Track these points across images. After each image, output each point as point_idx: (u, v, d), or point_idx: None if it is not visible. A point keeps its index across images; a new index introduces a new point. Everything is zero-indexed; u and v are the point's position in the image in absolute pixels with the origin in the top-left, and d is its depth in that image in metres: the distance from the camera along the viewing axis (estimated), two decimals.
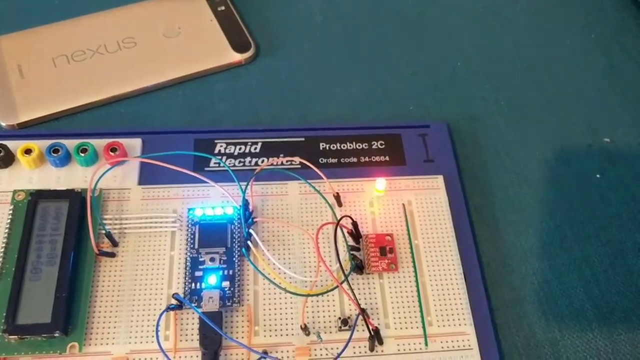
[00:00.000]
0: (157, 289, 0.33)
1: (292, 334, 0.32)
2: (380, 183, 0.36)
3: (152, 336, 0.31)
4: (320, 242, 0.34)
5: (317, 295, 0.32)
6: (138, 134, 0.38)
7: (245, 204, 0.34)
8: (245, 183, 0.34)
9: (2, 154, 0.35)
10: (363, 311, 0.31)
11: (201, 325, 0.31)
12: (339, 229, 0.33)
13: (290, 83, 0.43)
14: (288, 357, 0.31)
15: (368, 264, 0.34)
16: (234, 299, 0.32)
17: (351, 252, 0.33)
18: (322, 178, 0.36)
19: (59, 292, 0.31)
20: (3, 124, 0.39)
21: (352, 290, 0.31)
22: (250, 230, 0.33)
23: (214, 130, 0.39)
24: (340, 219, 0.33)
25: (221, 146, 0.38)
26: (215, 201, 0.36)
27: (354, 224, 0.34)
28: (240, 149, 0.38)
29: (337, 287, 0.31)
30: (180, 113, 0.41)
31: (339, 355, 0.29)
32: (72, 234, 0.33)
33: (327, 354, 0.31)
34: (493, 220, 0.37)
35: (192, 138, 0.38)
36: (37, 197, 0.34)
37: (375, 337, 0.31)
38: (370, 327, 0.31)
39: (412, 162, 0.38)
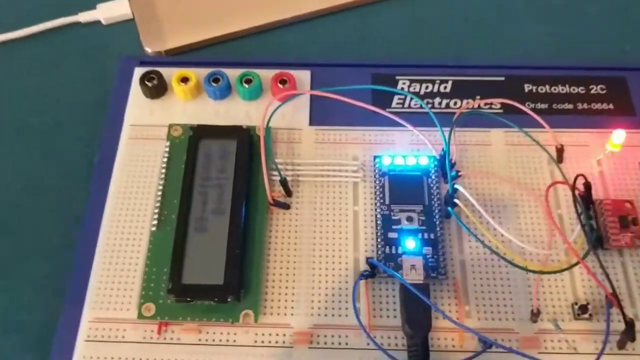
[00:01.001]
0: (341, 250, 0.27)
1: (513, 319, 0.25)
2: (618, 135, 0.28)
3: (340, 308, 0.25)
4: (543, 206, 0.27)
5: (555, 272, 0.25)
6: (306, 65, 0.32)
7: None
8: (449, 129, 0.27)
9: (155, 82, 0.30)
10: (615, 297, 0.24)
11: (404, 300, 0.24)
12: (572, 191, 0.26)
13: (475, 14, 0.36)
14: (511, 347, 0.24)
15: (606, 236, 0.26)
16: (439, 269, 0.26)
17: (589, 221, 0.26)
18: (536, 126, 0.28)
19: (232, 248, 0.25)
20: (149, 51, 0.34)
21: (603, 268, 0.24)
22: (457, 186, 0.27)
23: (394, 65, 0.32)
24: (576, 178, 0.26)
25: (404, 83, 0.32)
26: (404, 148, 0.29)
27: (587, 184, 0.27)
28: (427, 87, 0.31)
29: (577, 263, 0.24)
30: (351, 44, 0.34)
31: (601, 352, 0.22)
32: (242, 179, 0.27)
33: (561, 347, 0.24)
34: None
35: (369, 73, 0.32)
36: (199, 133, 0.28)
37: (629, 332, 0.24)
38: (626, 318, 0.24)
39: None
